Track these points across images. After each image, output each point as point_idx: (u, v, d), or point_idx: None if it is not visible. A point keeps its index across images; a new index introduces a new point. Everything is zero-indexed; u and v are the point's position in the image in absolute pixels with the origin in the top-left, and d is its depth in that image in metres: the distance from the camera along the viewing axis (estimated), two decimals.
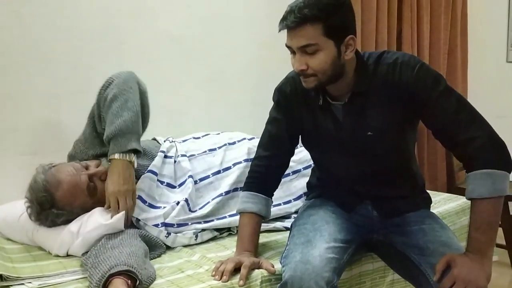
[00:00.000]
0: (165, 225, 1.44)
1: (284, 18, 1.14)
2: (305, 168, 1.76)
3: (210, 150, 1.71)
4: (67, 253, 1.35)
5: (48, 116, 1.75)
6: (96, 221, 1.32)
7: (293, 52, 1.18)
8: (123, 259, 1.13)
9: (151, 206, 1.48)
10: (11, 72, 1.67)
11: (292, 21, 1.11)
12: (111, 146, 1.38)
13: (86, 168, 1.43)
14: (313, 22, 1.11)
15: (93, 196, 1.41)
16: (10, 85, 1.67)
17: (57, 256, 1.36)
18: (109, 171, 1.37)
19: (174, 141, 1.73)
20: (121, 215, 1.32)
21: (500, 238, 2.14)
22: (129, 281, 1.09)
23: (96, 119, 1.51)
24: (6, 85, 1.66)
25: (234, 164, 1.67)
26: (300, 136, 1.39)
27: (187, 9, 2.06)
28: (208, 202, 1.57)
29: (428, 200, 1.42)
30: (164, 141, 1.71)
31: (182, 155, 1.65)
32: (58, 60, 1.76)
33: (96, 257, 1.18)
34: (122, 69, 1.88)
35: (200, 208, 1.56)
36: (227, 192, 1.59)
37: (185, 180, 1.59)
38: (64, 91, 1.78)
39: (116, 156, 1.37)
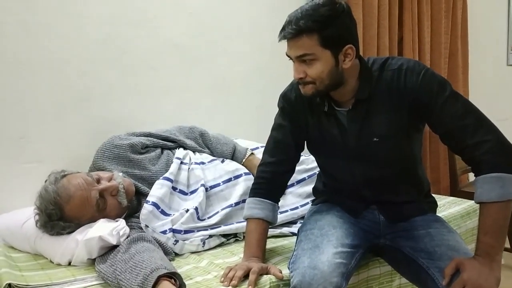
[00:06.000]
0: (173, 231, 1.45)
1: (282, 29, 1.17)
2: (309, 176, 1.78)
3: (222, 161, 1.75)
4: (69, 262, 1.35)
5: (53, 124, 1.75)
6: (96, 231, 1.32)
7: (293, 61, 1.21)
8: (160, 263, 1.14)
9: (163, 213, 1.49)
10: (16, 80, 1.67)
11: (289, 32, 1.15)
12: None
13: (98, 181, 1.43)
14: (309, 33, 1.14)
15: (102, 211, 1.41)
16: (15, 93, 1.67)
17: (59, 265, 1.36)
18: None
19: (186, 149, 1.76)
20: (115, 232, 1.31)
21: (506, 242, 2.14)
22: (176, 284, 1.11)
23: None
24: (11, 93, 1.67)
25: (246, 173, 1.68)
26: (305, 142, 1.39)
27: (189, 17, 2.07)
28: (217, 212, 1.58)
29: (434, 204, 1.42)
30: (178, 149, 1.73)
31: (196, 163, 1.67)
32: (62, 69, 1.76)
33: (126, 263, 1.18)
34: (125, 78, 1.91)
35: (209, 218, 1.56)
36: (236, 203, 1.60)
37: (197, 188, 1.60)
38: (68, 99, 1.78)
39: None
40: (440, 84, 1.19)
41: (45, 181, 1.42)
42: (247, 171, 1.71)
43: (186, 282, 1.19)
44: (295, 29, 1.14)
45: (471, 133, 1.15)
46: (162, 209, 1.49)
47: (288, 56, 1.21)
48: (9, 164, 1.68)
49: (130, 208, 1.51)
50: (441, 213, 1.66)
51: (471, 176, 1.20)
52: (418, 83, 1.19)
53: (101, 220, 1.38)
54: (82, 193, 1.38)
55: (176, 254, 1.44)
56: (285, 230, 1.60)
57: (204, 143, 1.83)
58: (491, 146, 1.13)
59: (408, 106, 1.21)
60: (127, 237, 1.31)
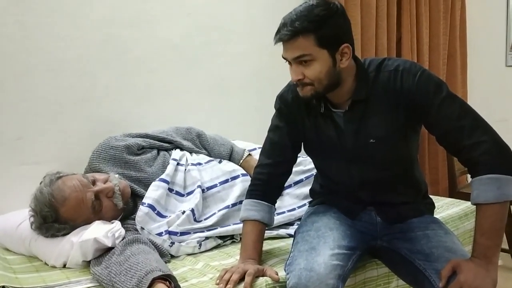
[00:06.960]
0: (169, 233, 1.44)
1: (278, 31, 1.17)
2: (307, 178, 1.77)
3: (219, 161, 1.74)
4: (64, 264, 1.34)
5: (50, 125, 1.75)
6: (91, 233, 1.31)
7: (289, 63, 1.21)
8: (155, 265, 1.14)
9: (159, 214, 1.48)
10: (14, 81, 1.67)
11: (285, 34, 1.15)
12: None
13: (93, 183, 1.43)
14: (305, 34, 1.14)
15: (97, 213, 1.41)
16: (12, 93, 1.67)
17: (54, 267, 1.35)
18: None
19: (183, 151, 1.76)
20: (110, 234, 1.30)
21: (503, 243, 2.13)
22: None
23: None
24: (9, 94, 1.66)
25: (243, 174, 1.67)
26: (302, 143, 1.39)
27: (188, 17, 2.07)
28: (214, 214, 1.57)
29: (432, 206, 1.42)
30: (175, 150, 1.72)
31: (192, 164, 1.67)
32: (61, 69, 1.76)
33: (121, 265, 1.18)
34: (124, 78, 1.90)
35: (205, 219, 1.56)
36: (233, 205, 1.59)
37: (194, 190, 1.59)
38: (67, 100, 1.78)
39: None
40: (436, 85, 1.19)
41: (40, 183, 1.41)
42: (244, 172, 1.70)
43: (182, 284, 1.19)
44: (291, 31, 1.14)
45: (468, 134, 1.14)
46: (158, 211, 1.48)
47: (285, 59, 1.21)
48: (6, 165, 1.67)
49: (126, 210, 1.50)
50: (439, 214, 1.65)
51: (470, 177, 1.19)
52: (414, 84, 1.18)
53: (96, 222, 1.38)
54: (77, 195, 1.37)
55: (172, 256, 1.43)
56: (282, 231, 1.59)
57: (201, 144, 1.82)
58: (488, 147, 1.12)
59: (404, 107, 1.20)
60: (122, 239, 1.31)
